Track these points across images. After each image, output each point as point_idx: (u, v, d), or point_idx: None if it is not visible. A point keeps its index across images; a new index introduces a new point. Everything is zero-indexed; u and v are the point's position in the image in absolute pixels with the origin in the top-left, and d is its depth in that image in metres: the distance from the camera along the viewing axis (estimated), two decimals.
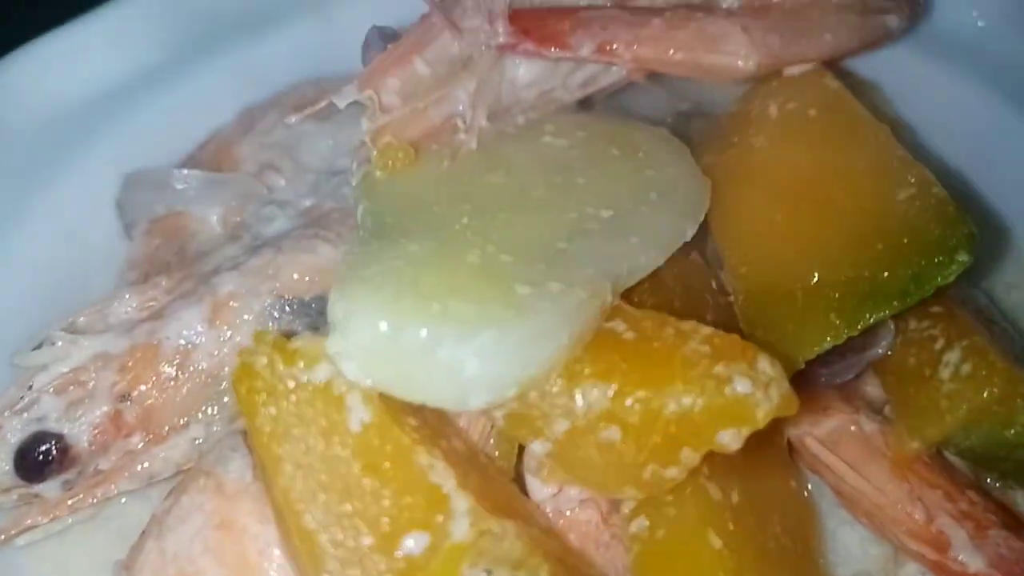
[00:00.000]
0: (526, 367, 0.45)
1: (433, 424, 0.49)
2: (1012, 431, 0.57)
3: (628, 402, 0.46)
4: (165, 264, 0.67)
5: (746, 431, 0.45)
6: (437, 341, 0.44)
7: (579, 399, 0.47)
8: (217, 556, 0.51)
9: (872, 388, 0.63)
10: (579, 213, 0.54)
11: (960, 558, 0.51)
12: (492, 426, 0.53)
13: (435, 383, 0.45)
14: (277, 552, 0.50)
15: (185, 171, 0.71)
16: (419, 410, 0.48)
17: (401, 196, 0.55)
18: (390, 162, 0.56)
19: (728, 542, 0.49)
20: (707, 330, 0.48)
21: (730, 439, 0.45)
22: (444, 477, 0.45)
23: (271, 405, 0.46)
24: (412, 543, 0.44)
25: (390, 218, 0.53)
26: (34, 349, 0.59)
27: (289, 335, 0.49)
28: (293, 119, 0.62)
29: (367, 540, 0.44)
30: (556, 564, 0.46)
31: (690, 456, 0.47)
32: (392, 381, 0.46)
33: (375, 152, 0.56)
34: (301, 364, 0.45)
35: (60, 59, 0.73)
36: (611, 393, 0.46)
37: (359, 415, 0.45)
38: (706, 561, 0.49)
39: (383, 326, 0.45)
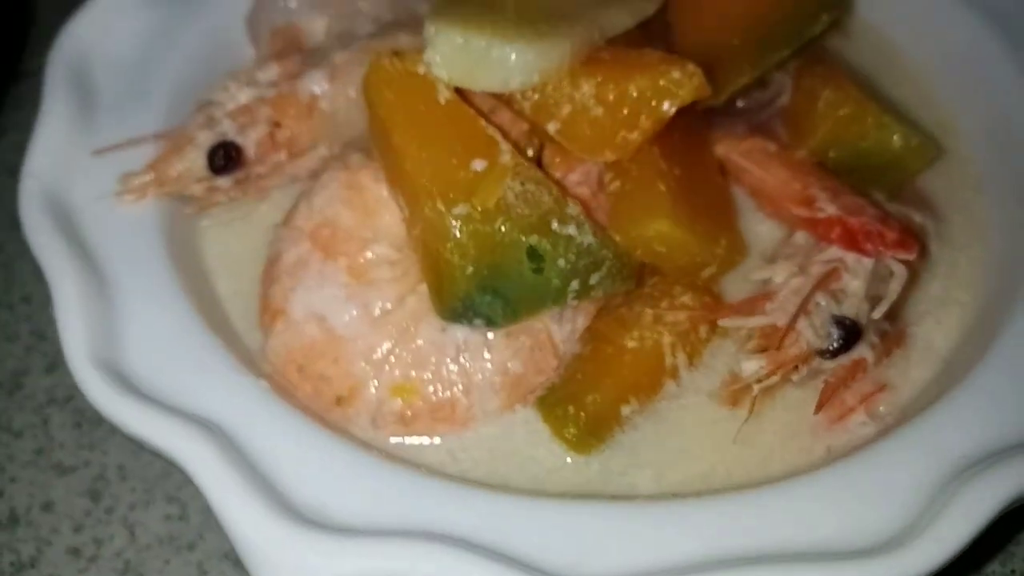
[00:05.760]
0: (542, 60, 0.77)
1: (487, 113, 0.81)
2: (864, 143, 0.89)
3: (606, 88, 0.78)
4: (288, 56, 0.99)
5: (678, 102, 0.78)
6: (491, 46, 0.76)
7: (576, 89, 0.79)
8: (347, 205, 0.83)
9: (779, 132, 0.96)
10: None
11: (819, 206, 0.84)
12: (526, 130, 0.85)
13: (490, 72, 0.77)
14: (386, 196, 0.83)
15: None
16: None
17: None
18: None
19: (669, 188, 0.82)
20: (659, 52, 0.81)
21: (670, 106, 0.77)
22: (494, 132, 0.78)
23: (389, 90, 0.78)
24: (478, 165, 0.76)
25: None
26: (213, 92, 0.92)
27: None
28: None
29: (449, 166, 0.76)
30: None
31: (645, 122, 0.79)
32: (463, 73, 0.78)
33: None
34: (408, 64, 0.78)
35: None
36: (596, 83, 0.78)
37: (444, 94, 0.78)
38: (654, 197, 0.81)
39: (458, 39, 0.77)
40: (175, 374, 0.74)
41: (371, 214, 0.82)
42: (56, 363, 0.97)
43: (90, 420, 0.93)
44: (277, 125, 0.89)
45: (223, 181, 0.89)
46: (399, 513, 0.68)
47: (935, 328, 0.87)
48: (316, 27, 1.01)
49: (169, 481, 0.89)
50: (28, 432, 0.93)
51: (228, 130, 0.88)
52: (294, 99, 0.90)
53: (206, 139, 0.87)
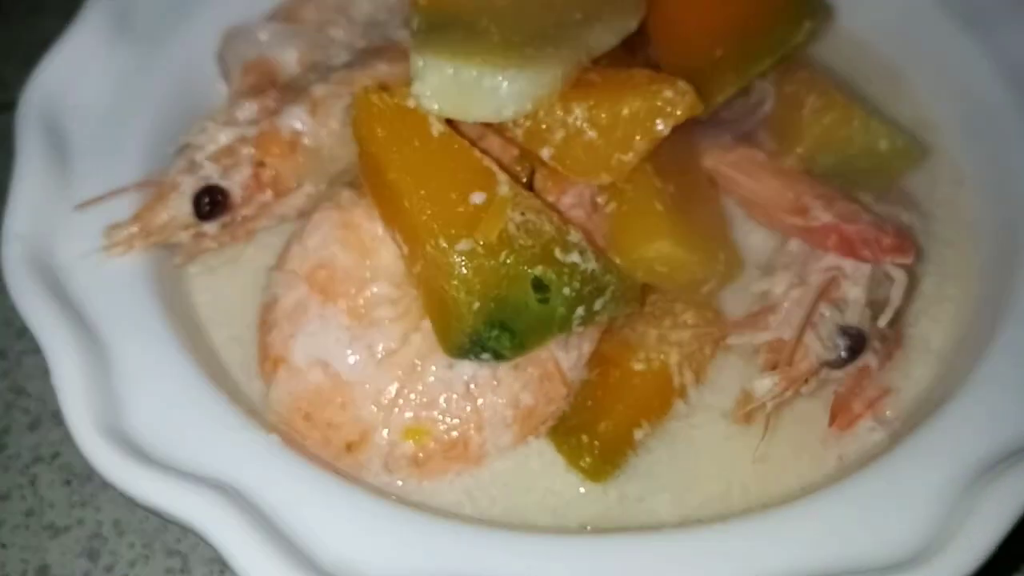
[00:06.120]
0: (534, 88, 0.76)
1: (476, 141, 0.80)
2: (851, 147, 0.90)
3: (599, 111, 0.78)
4: (264, 91, 0.97)
5: (672, 121, 0.77)
6: (482, 75, 0.75)
7: (569, 113, 0.78)
8: (342, 245, 0.82)
9: (765, 140, 0.96)
10: (560, 14, 0.85)
11: (814, 214, 0.84)
12: (516, 155, 0.84)
13: (482, 103, 0.76)
14: (382, 233, 0.81)
15: (268, 23, 1.00)
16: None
17: (440, 10, 0.83)
18: None
19: (667, 207, 0.81)
20: (647, 71, 0.80)
21: (663, 126, 0.77)
22: (490, 163, 0.77)
23: (379, 126, 0.76)
24: (477, 198, 0.75)
25: (435, 20, 0.83)
26: (191, 136, 0.89)
27: None
28: None
29: (448, 202, 0.75)
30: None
31: (640, 143, 0.78)
32: (454, 105, 0.77)
33: None
34: (398, 98, 0.77)
35: None
36: (588, 106, 0.78)
37: (436, 127, 0.76)
38: (652, 218, 0.80)
39: (448, 70, 0.76)
40: (184, 436, 0.72)
41: (368, 253, 0.81)
42: (39, 420, 0.95)
43: (80, 476, 0.91)
44: (261, 165, 0.87)
45: (210, 227, 0.86)
46: (426, 562, 0.67)
47: (931, 326, 0.88)
48: (288, 59, 0.99)
49: (168, 534, 0.87)
50: (15, 493, 0.90)
51: (212, 173, 0.86)
52: (276, 136, 0.88)
53: (190, 185, 0.85)
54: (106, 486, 0.88)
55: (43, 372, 0.96)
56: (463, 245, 0.73)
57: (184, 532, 0.86)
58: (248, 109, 0.91)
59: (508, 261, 0.74)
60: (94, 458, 0.68)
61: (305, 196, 0.89)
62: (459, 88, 0.76)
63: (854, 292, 0.81)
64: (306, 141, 0.89)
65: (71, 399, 0.71)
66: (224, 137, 0.88)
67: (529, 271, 0.74)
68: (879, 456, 0.75)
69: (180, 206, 0.85)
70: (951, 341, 0.86)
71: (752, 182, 0.88)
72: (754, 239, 0.92)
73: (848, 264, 0.82)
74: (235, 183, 0.86)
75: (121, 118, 0.92)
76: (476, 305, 0.73)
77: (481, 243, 0.73)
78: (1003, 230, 0.91)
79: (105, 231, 0.83)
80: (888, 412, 0.82)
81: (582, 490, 0.79)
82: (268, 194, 0.88)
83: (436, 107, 0.76)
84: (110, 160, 0.89)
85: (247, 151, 0.87)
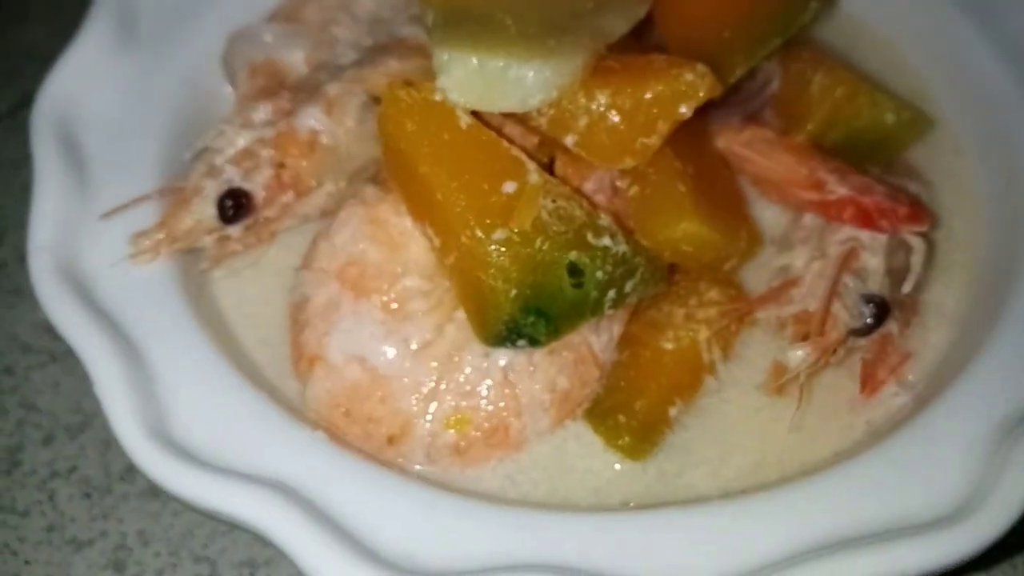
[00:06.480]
0: (559, 76, 0.78)
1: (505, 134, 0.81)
2: (859, 122, 0.92)
3: (622, 97, 0.79)
4: (273, 92, 0.97)
5: (694, 103, 0.79)
6: (507, 67, 0.76)
7: (592, 100, 0.80)
8: (372, 240, 0.82)
9: (771, 119, 0.98)
10: (572, 4, 0.86)
11: (830, 188, 0.86)
12: (536, 142, 0.85)
13: (508, 94, 0.77)
14: (409, 227, 0.82)
15: (272, 24, 1.01)
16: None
17: (454, 4, 0.85)
18: None
19: (688, 187, 0.83)
20: (664, 56, 0.82)
21: (686, 109, 0.79)
22: (518, 152, 0.78)
23: (409, 121, 0.77)
24: (508, 187, 0.76)
25: (451, 16, 0.84)
26: (209, 140, 0.89)
27: None
28: None
29: (481, 192, 0.76)
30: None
31: (662, 126, 0.80)
32: (480, 97, 0.77)
33: None
34: (425, 93, 0.77)
35: None
36: (611, 92, 0.79)
37: (464, 119, 0.77)
38: (677, 199, 0.82)
39: (473, 62, 0.76)
40: (232, 437, 0.72)
41: (397, 247, 0.82)
42: (52, 435, 0.94)
43: (99, 489, 0.90)
44: (281, 166, 0.88)
45: (234, 230, 0.87)
46: (486, 548, 0.68)
47: (944, 291, 0.90)
48: (295, 59, 0.99)
49: (194, 540, 0.87)
50: (35, 510, 0.89)
51: (233, 176, 0.86)
52: (294, 137, 0.88)
53: (213, 189, 0.85)
54: (127, 497, 0.89)
55: (53, 386, 0.97)
56: (499, 234, 0.74)
57: (211, 537, 0.86)
58: (263, 111, 0.91)
59: (543, 247, 0.75)
60: (147, 465, 0.68)
61: (326, 195, 0.90)
62: (484, 80, 0.77)
63: (873, 262, 0.83)
64: (324, 140, 0.89)
65: (117, 407, 0.71)
66: (242, 140, 0.88)
67: (564, 256, 0.75)
68: (908, 419, 0.77)
69: (204, 210, 0.85)
70: (964, 305, 0.89)
71: (765, 160, 0.90)
72: (767, 215, 0.93)
73: (865, 235, 0.84)
74: (257, 185, 0.87)
75: (132, 125, 0.91)
76: (513, 292, 0.74)
77: (516, 231, 0.74)
78: (1006, 195, 0.93)
79: (131, 239, 0.83)
80: (910, 376, 0.84)
81: (620, 468, 0.81)
82: (290, 194, 0.88)
83: (463, 99, 0.77)
84: (126, 167, 0.88)
85: (267, 153, 0.87)
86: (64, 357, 0.98)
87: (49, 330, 0.99)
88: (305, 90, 0.93)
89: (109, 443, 0.92)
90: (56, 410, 0.95)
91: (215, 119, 0.98)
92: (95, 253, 0.82)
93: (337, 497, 0.69)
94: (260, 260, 0.92)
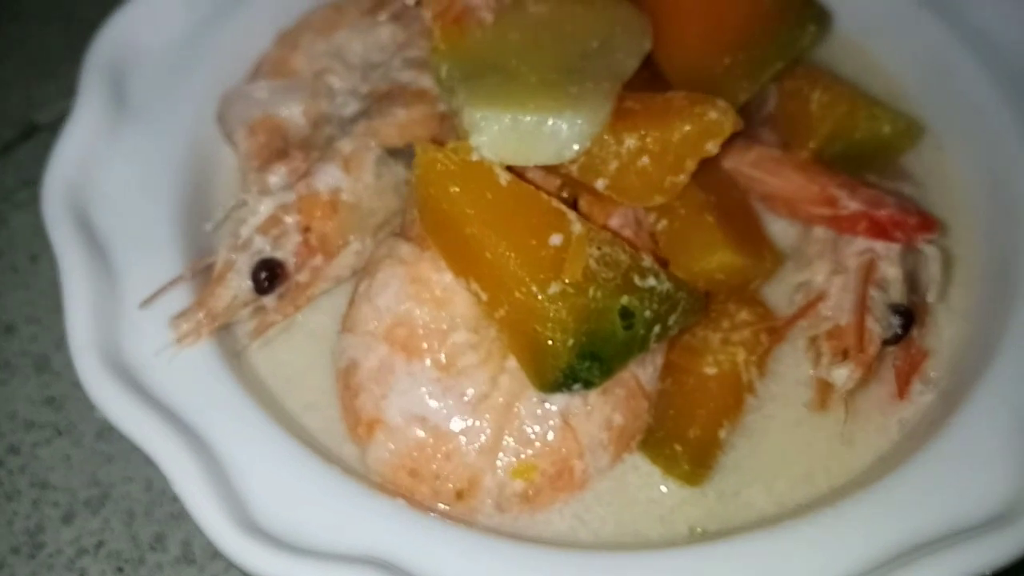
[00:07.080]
0: (591, 126, 0.79)
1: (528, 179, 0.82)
2: (857, 135, 0.96)
3: (650, 139, 0.81)
4: (279, 150, 0.96)
5: (720, 139, 0.81)
6: (541, 121, 0.78)
7: (621, 144, 0.81)
8: (416, 300, 0.82)
9: (769, 138, 1.02)
10: (580, 45, 0.88)
11: (842, 203, 0.90)
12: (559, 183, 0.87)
13: (543, 148, 0.79)
14: (450, 281, 0.83)
15: (261, 82, 0.99)
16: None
17: (465, 56, 0.86)
18: (451, 36, 0.88)
19: (715, 217, 0.86)
20: (682, 92, 0.84)
21: (712, 146, 0.81)
22: (558, 203, 0.79)
23: (452, 184, 0.78)
24: (555, 239, 0.77)
25: (467, 69, 0.85)
26: (230, 211, 0.88)
27: None
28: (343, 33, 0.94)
29: (530, 248, 0.77)
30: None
31: (690, 164, 0.82)
32: (515, 153, 0.79)
33: (439, 32, 0.88)
34: (463, 154, 0.78)
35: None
36: (639, 135, 0.81)
37: (503, 176, 0.78)
38: (706, 229, 0.85)
39: (507, 119, 0.78)
40: (317, 517, 0.73)
41: (442, 304, 0.82)
42: (72, 511, 0.92)
43: (131, 561, 0.89)
44: (307, 229, 0.88)
45: (269, 300, 0.86)
46: None
47: (950, 289, 0.95)
48: (293, 113, 0.98)
49: None
50: None
51: (263, 247, 0.86)
52: (316, 198, 0.88)
53: (245, 261, 0.85)
54: (162, 566, 0.89)
55: (63, 460, 0.96)
56: (553, 288, 0.76)
57: None
58: (278, 174, 0.90)
59: (596, 296, 0.77)
60: (244, 557, 0.68)
61: (354, 254, 0.90)
62: (519, 136, 0.78)
63: (892, 271, 0.87)
64: (345, 198, 0.89)
65: (202, 502, 0.70)
66: (264, 207, 0.87)
67: (616, 302, 0.78)
68: (943, 420, 0.82)
69: (240, 284, 0.84)
70: (971, 299, 0.94)
71: (775, 178, 0.93)
72: (775, 229, 0.97)
73: (879, 245, 0.88)
74: (287, 252, 0.86)
75: (142, 198, 0.90)
76: (571, 342, 0.76)
77: (568, 283, 0.76)
78: (992, 187, 0.99)
79: (171, 322, 0.82)
80: (932, 373, 0.89)
81: (681, 495, 0.84)
82: (319, 257, 0.88)
83: (499, 157, 0.78)
84: (145, 244, 0.87)
85: (291, 218, 0.87)
86: (70, 429, 0.97)
87: (50, 403, 0.99)
88: (316, 148, 0.93)
89: (133, 513, 0.92)
90: (72, 485, 0.94)
91: (220, 181, 0.98)
92: (136, 341, 0.81)
93: (434, 566, 0.70)
94: (290, 326, 0.91)
